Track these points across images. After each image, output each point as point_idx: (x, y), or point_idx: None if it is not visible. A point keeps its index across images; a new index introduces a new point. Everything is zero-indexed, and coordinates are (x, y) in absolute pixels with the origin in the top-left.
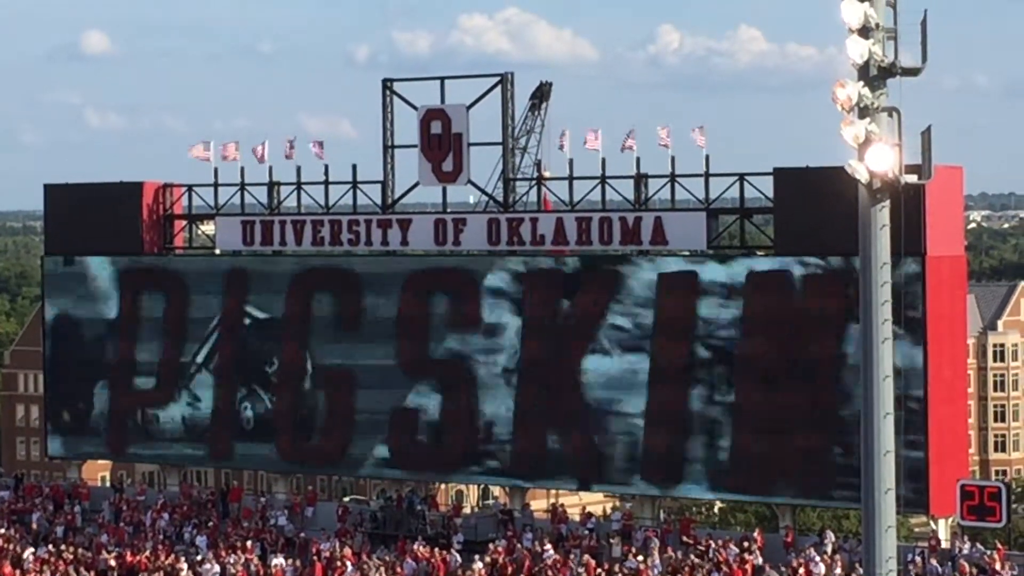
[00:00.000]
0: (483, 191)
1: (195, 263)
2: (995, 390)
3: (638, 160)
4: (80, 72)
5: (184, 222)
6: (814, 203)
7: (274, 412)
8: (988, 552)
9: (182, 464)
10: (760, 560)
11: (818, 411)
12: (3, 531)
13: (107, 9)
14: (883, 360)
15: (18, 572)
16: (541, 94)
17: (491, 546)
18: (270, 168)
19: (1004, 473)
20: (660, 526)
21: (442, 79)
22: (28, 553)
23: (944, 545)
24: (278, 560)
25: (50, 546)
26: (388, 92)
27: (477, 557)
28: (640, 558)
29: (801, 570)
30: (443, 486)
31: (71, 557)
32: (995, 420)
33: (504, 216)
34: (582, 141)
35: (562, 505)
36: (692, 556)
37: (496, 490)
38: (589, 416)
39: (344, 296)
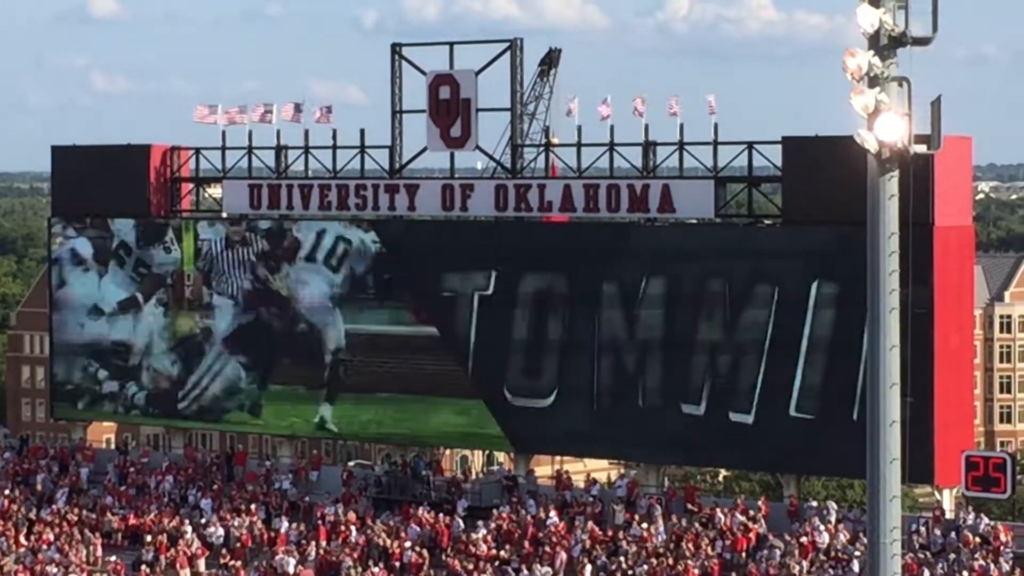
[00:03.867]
0: (491, 157)
1: None
2: (1001, 361)
3: (646, 127)
4: (87, 35)
5: (191, 185)
6: (822, 172)
7: None
8: (992, 523)
9: None
10: (764, 528)
11: None
12: (8, 492)
13: None
14: (890, 330)
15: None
16: (550, 60)
17: (495, 512)
18: (278, 132)
19: (1009, 444)
20: (664, 493)
21: (451, 44)
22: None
23: (948, 515)
24: (282, 524)
25: (55, 507)
26: (397, 57)
27: (481, 523)
28: (644, 525)
29: (804, 539)
30: (448, 451)
31: (75, 519)
32: (1001, 391)
33: (512, 182)
34: (592, 109)
35: (567, 472)
36: (696, 524)
37: (500, 456)
38: None
39: None
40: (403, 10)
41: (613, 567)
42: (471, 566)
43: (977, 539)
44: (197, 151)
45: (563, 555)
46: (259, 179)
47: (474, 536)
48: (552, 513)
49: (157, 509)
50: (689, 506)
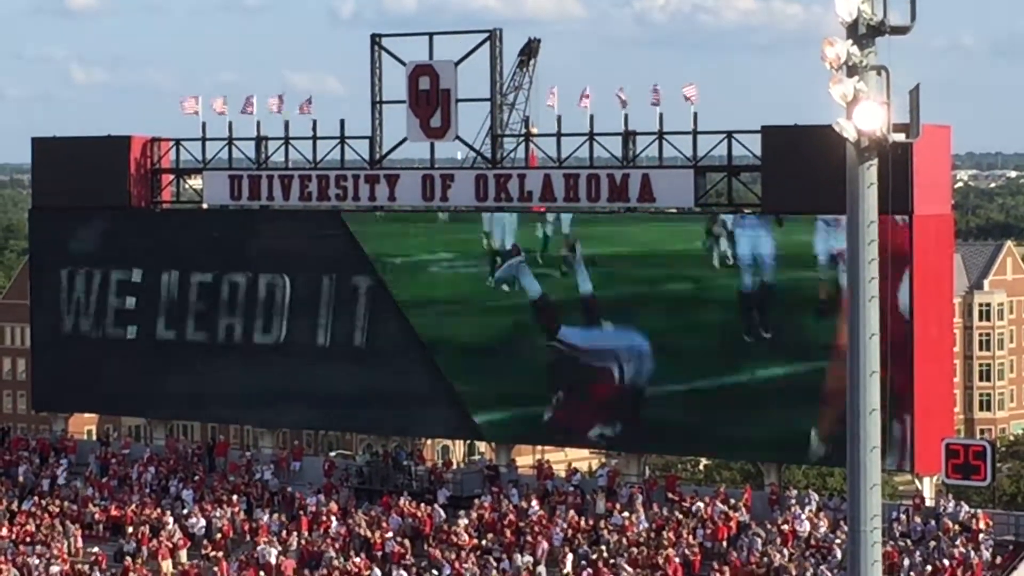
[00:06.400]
0: (471, 147)
1: None
2: (981, 349)
3: (626, 117)
4: (65, 26)
5: (171, 176)
6: (801, 161)
7: None
8: (972, 510)
9: None
10: (745, 517)
11: None
12: None
13: None
14: (869, 318)
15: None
16: (530, 50)
17: (477, 502)
18: (258, 123)
19: (989, 432)
20: (645, 482)
21: (431, 35)
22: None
23: (929, 503)
24: (264, 514)
25: (36, 499)
26: (377, 48)
27: (463, 513)
28: (625, 514)
29: (785, 527)
30: (429, 441)
31: (57, 510)
32: (980, 379)
33: (492, 172)
34: (572, 99)
35: (548, 461)
36: (677, 512)
37: (482, 446)
38: None
39: None
40: (382, 1)
41: (594, 556)
42: (453, 555)
43: (957, 527)
44: (177, 142)
45: (544, 544)
46: (239, 170)
47: (456, 526)
48: (533, 502)
49: (138, 500)
50: (670, 495)
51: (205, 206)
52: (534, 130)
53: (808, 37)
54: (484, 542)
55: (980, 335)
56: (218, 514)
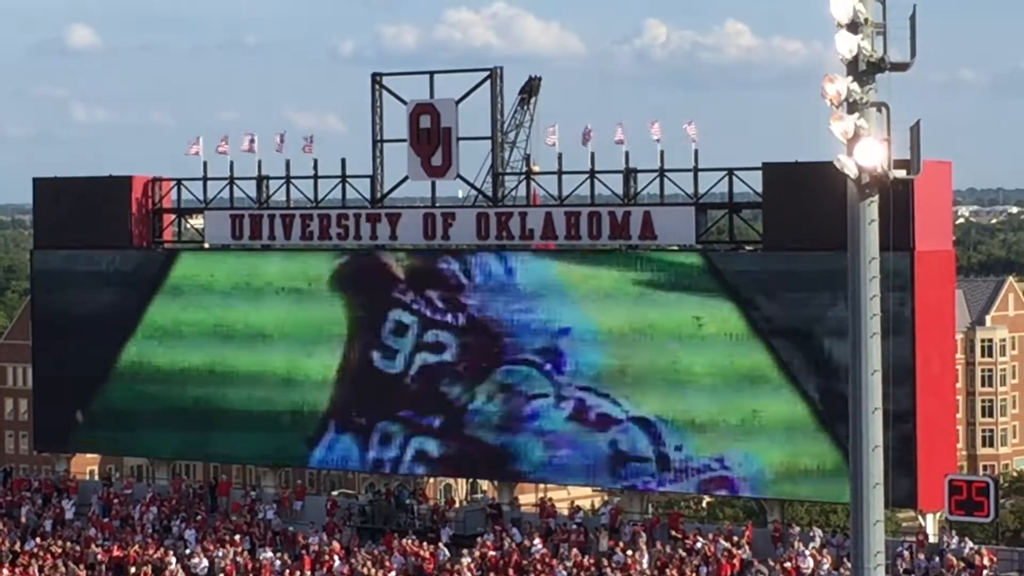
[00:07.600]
0: (472, 185)
1: None
2: (983, 385)
3: (627, 155)
4: (66, 66)
5: (173, 216)
6: (803, 198)
7: None
8: (976, 547)
9: None
10: (748, 554)
11: None
12: None
13: (92, 3)
14: (871, 355)
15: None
16: (530, 88)
17: (479, 540)
18: (259, 162)
19: (992, 468)
20: (648, 520)
21: (431, 73)
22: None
23: (932, 540)
24: (266, 554)
25: (39, 539)
26: (377, 86)
27: (466, 551)
28: (628, 552)
29: (788, 564)
30: (432, 480)
31: (60, 551)
32: (983, 415)
33: (493, 211)
34: (573, 137)
35: (550, 499)
36: (680, 550)
37: (484, 484)
38: None
39: None
40: (382, 39)
41: None
42: None
43: (961, 563)
44: (179, 182)
45: None
46: (241, 209)
47: (459, 564)
48: (536, 541)
49: (141, 540)
50: (673, 533)
51: (207, 245)
52: (535, 168)
53: (809, 74)
54: None
55: (982, 371)
56: (221, 554)
